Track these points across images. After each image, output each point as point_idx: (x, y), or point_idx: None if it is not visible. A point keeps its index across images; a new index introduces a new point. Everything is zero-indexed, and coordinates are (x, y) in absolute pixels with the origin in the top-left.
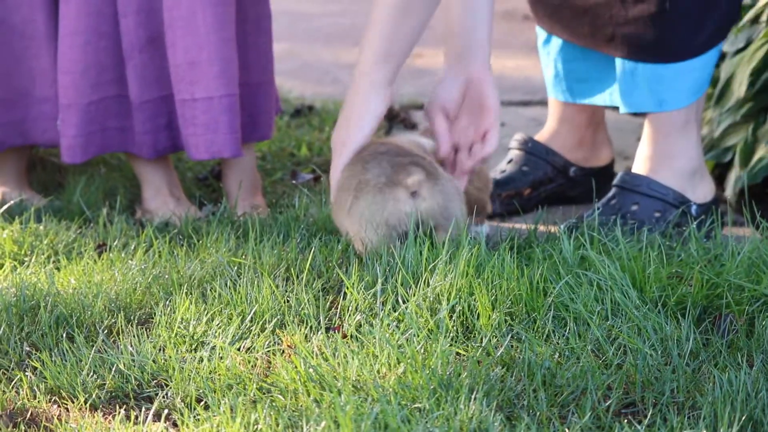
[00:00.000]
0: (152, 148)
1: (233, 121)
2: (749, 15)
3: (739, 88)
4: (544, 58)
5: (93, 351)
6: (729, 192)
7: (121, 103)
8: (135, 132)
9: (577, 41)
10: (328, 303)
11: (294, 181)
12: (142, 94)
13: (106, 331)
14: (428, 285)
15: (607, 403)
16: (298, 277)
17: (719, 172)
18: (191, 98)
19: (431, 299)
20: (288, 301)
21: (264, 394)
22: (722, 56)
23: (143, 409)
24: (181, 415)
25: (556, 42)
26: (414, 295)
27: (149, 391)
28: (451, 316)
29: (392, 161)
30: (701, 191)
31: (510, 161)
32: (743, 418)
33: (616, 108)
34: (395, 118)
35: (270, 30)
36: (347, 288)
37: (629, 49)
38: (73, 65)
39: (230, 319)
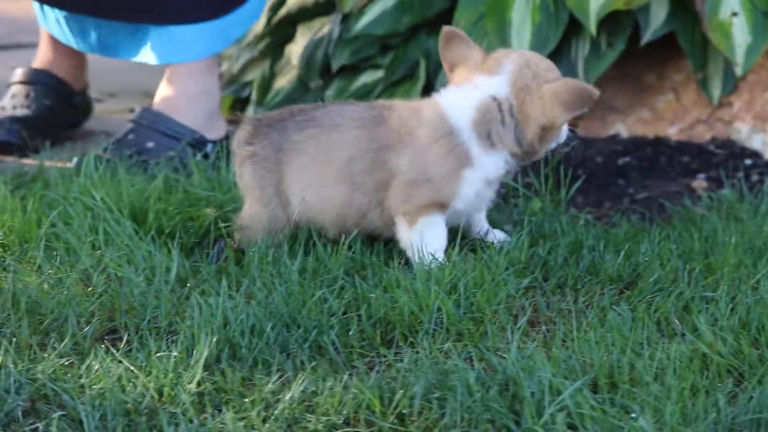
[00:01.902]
0: None
1: None
2: None
3: (257, 24)
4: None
5: None
6: None
7: None
8: None
9: (80, 11)
10: None
11: None
12: None
13: None
14: None
15: (88, 329)
16: None
17: (240, 107)
18: None
19: None
20: None
21: None
22: None
23: None
24: None
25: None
26: None
27: None
28: None
29: None
30: (217, 129)
31: (18, 95)
32: (221, 340)
33: None
34: None
35: None
36: None
37: (126, 14)
38: None
39: None
